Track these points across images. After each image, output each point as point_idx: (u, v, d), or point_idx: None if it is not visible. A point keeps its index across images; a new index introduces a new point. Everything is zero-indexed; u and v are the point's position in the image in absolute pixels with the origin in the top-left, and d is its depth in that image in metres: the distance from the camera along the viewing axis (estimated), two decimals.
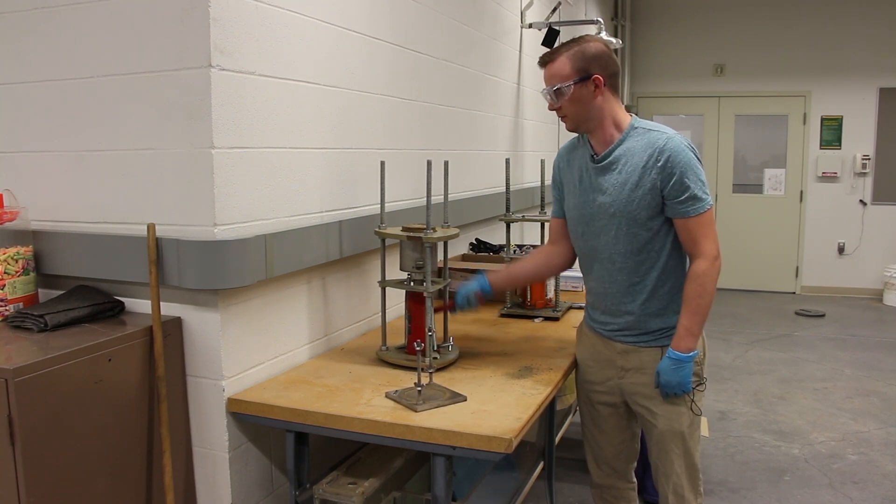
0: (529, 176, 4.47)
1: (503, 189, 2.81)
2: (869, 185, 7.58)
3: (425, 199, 1.99)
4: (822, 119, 7.63)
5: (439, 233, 2.07)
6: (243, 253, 1.81)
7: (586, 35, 2.00)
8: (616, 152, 1.95)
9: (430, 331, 2.00)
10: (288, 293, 2.09)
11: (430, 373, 1.87)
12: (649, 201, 1.90)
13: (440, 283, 2.14)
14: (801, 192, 7.79)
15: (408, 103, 2.75)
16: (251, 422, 1.87)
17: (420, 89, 2.85)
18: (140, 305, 1.90)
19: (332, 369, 2.09)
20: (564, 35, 4.44)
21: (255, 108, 1.87)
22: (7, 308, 1.87)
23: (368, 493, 1.81)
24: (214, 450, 1.88)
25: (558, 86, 1.92)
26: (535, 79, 4.40)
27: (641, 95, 8.16)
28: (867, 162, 7.50)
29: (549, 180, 2.92)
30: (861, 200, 7.61)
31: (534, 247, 3.34)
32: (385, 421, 1.70)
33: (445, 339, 2.22)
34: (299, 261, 2.06)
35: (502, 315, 2.75)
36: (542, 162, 2.89)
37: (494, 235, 3.77)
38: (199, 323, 1.84)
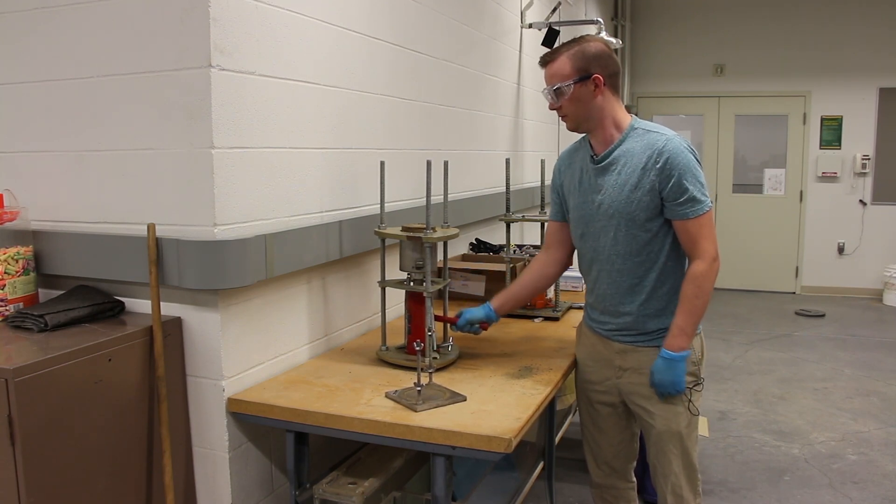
0: (529, 176, 4.47)
1: (503, 189, 2.81)
2: (869, 185, 7.58)
3: (425, 199, 1.99)
4: (822, 119, 7.63)
5: (439, 233, 2.07)
6: (243, 253, 1.81)
7: (587, 35, 2.00)
8: (615, 153, 1.95)
9: (429, 331, 2.01)
10: (288, 293, 2.09)
11: (430, 373, 1.87)
12: (647, 203, 1.90)
13: (440, 283, 2.14)
14: (801, 192, 7.79)
15: (408, 103, 2.75)
16: (251, 422, 1.87)
17: (420, 89, 2.85)
18: (140, 305, 1.90)
19: (332, 369, 2.09)
20: (564, 35, 4.44)
21: (255, 108, 1.87)
22: (7, 308, 1.87)
23: (368, 493, 1.81)
24: (214, 450, 1.88)
25: (558, 85, 1.92)
26: (535, 79, 4.40)
27: (641, 95, 8.17)
28: (867, 162, 7.50)
29: (549, 181, 2.93)
30: (861, 200, 7.61)
31: (534, 247, 3.34)
32: (385, 421, 1.70)
33: (445, 339, 2.22)
34: (299, 261, 2.06)
35: (500, 315, 2.74)
36: (543, 162, 2.89)
37: (494, 235, 3.77)
38: (199, 323, 1.84)
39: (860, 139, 7.54)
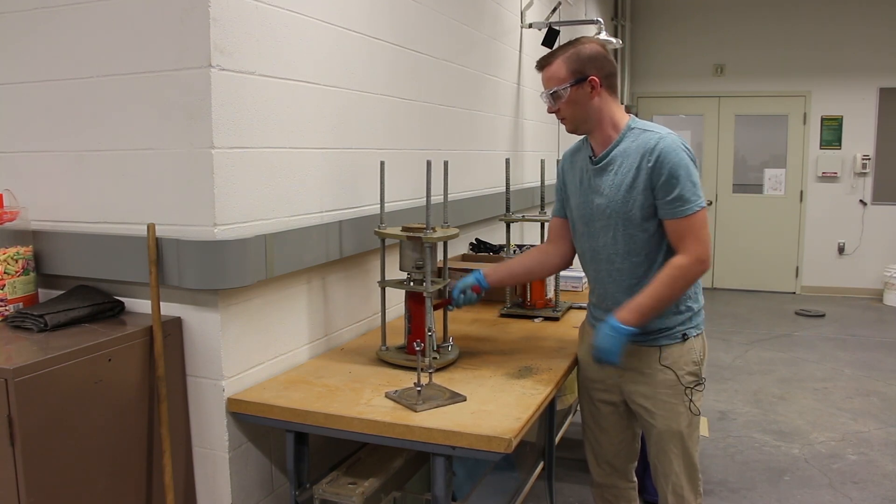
0: (529, 176, 4.47)
1: (503, 189, 2.81)
2: (869, 185, 7.58)
3: (425, 199, 1.99)
4: (822, 119, 7.63)
5: (439, 233, 2.07)
6: (243, 253, 1.81)
7: (582, 37, 2.00)
8: (612, 153, 1.96)
9: (429, 331, 2.01)
10: (288, 293, 2.09)
11: (430, 373, 1.87)
12: (643, 202, 1.90)
13: (440, 283, 2.14)
14: (801, 192, 7.79)
15: (408, 103, 2.75)
16: (251, 422, 1.87)
17: (420, 89, 2.85)
18: (140, 305, 1.90)
19: (332, 369, 2.09)
20: (564, 35, 4.44)
21: (255, 108, 1.87)
22: (7, 308, 1.87)
23: (368, 493, 1.81)
24: (214, 450, 1.88)
25: (555, 89, 1.94)
26: (535, 79, 4.39)
27: (641, 95, 8.17)
28: (867, 162, 7.50)
29: (549, 180, 2.94)
30: (861, 200, 7.61)
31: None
32: (385, 421, 1.70)
33: (445, 339, 2.22)
34: (299, 261, 2.06)
35: (502, 315, 2.75)
36: (543, 162, 2.89)
37: (494, 235, 3.77)
38: (199, 323, 1.84)
39: (860, 139, 7.54)
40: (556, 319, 2.69)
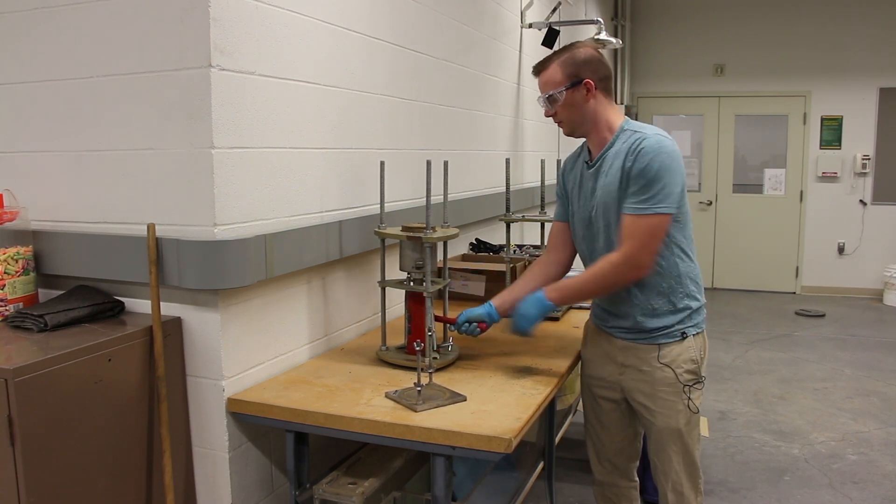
0: (529, 176, 4.47)
1: (503, 189, 2.81)
2: (869, 185, 7.58)
3: (425, 199, 1.99)
4: (822, 119, 7.63)
5: (439, 233, 2.07)
6: (243, 253, 1.81)
7: (577, 42, 2.05)
8: (605, 155, 1.99)
9: (429, 331, 2.01)
10: (288, 293, 2.09)
11: (430, 373, 1.87)
12: None
13: (440, 283, 2.14)
14: (801, 192, 7.79)
15: (408, 103, 2.74)
16: (251, 422, 1.87)
17: (420, 89, 2.85)
18: (140, 305, 1.90)
19: (332, 369, 2.09)
20: (564, 35, 4.44)
21: (255, 108, 1.87)
22: (7, 308, 1.87)
23: (368, 493, 1.81)
24: (214, 450, 1.88)
25: (551, 92, 1.98)
26: (534, 79, 4.39)
27: (641, 95, 8.17)
28: (867, 162, 7.50)
29: (549, 180, 2.94)
30: (861, 200, 7.61)
31: (534, 247, 3.34)
32: (385, 421, 1.70)
33: (445, 339, 2.22)
34: (299, 261, 2.06)
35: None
36: (543, 162, 2.89)
37: (494, 235, 3.77)
38: (199, 323, 1.84)
39: (860, 139, 7.54)
40: (556, 319, 2.69)
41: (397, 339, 2.23)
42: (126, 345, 1.71)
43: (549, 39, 4.25)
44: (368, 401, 1.82)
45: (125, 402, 1.72)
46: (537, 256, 2.59)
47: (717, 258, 8.07)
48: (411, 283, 2.11)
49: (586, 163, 2.06)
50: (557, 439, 2.91)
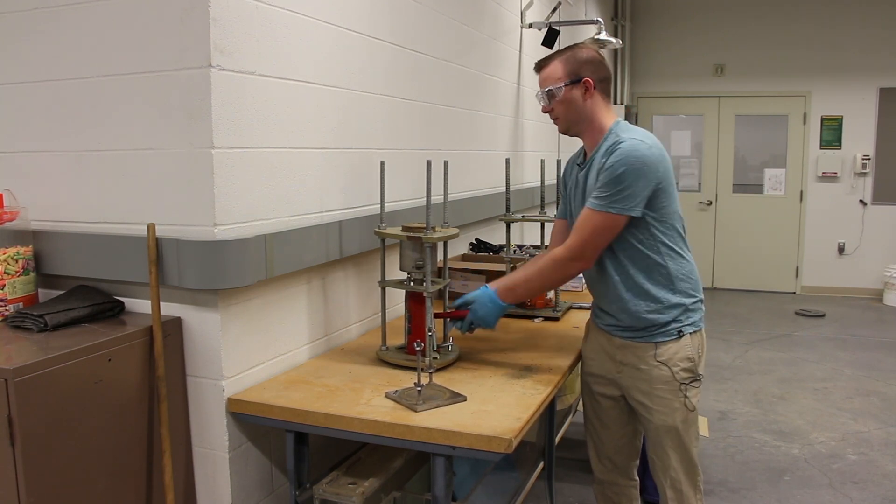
0: (529, 176, 4.47)
1: (503, 189, 2.81)
2: (869, 185, 7.58)
3: (425, 199, 1.99)
4: (822, 119, 7.63)
5: (439, 233, 2.07)
6: (243, 253, 1.81)
7: (580, 43, 2.10)
8: (594, 157, 2.02)
9: (429, 331, 2.01)
10: (288, 293, 2.09)
11: (430, 373, 1.87)
12: None
13: (440, 283, 2.14)
14: (801, 192, 7.79)
15: (408, 103, 2.74)
16: (251, 422, 1.87)
17: (420, 89, 2.85)
18: (140, 305, 1.90)
19: (332, 369, 2.09)
20: (564, 34, 4.44)
21: (255, 108, 1.87)
22: (7, 308, 1.87)
23: (368, 493, 1.81)
24: (214, 450, 1.88)
25: (550, 87, 2.02)
26: (535, 79, 4.36)
27: (641, 95, 8.17)
28: (867, 162, 7.50)
29: (549, 180, 2.95)
30: (861, 200, 7.61)
31: (534, 247, 3.34)
32: (385, 421, 1.70)
33: (445, 339, 2.22)
34: (299, 261, 2.06)
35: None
36: (543, 162, 2.89)
37: (494, 235, 3.77)
38: (199, 323, 1.84)
39: (860, 139, 7.54)
40: (556, 319, 2.69)
41: (397, 339, 2.23)
42: (126, 345, 1.71)
43: (549, 39, 4.25)
44: (368, 401, 1.82)
45: (125, 402, 1.72)
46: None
47: (717, 258, 8.07)
48: (411, 283, 2.11)
49: (578, 164, 2.12)
50: (557, 439, 2.91)
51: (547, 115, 2.10)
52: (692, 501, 2.09)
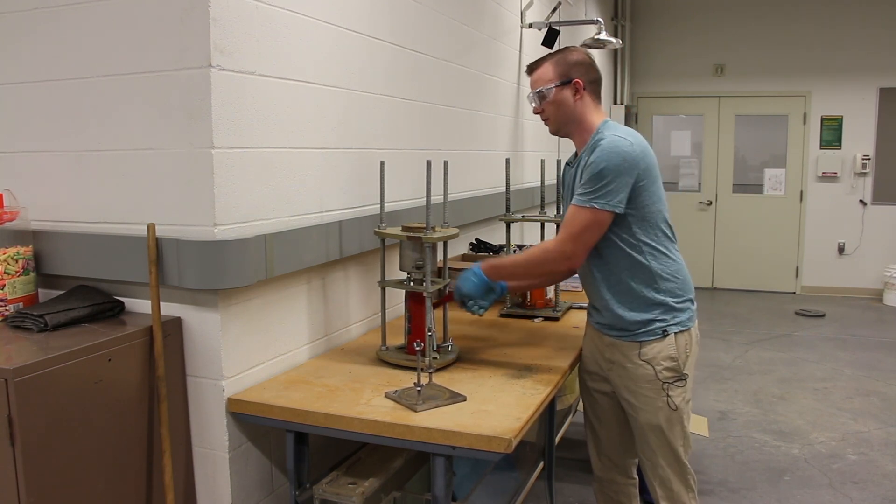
0: (529, 176, 4.47)
1: (503, 189, 2.81)
2: (869, 185, 7.58)
3: (425, 199, 1.99)
4: (822, 119, 7.63)
5: (439, 233, 2.07)
6: (243, 253, 1.81)
7: (571, 46, 2.15)
8: (581, 156, 2.05)
9: (429, 331, 2.01)
10: (288, 293, 2.09)
11: (430, 373, 1.87)
12: None
13: (440, 283, 2.14)
14: (801, 192, 7.79)
15: (408, 103, 2.75)
16: (251, 422, 1.87)
17: (420, 89, 2.85)
18: (140, 305, 1.90)
19: (332, 369, 2.09)
20: (564, 35, 4.44)
21: (255, 108, 1.87)
22: (7, 308, 1.87)
23: (368, 493, 1.81)
24: (214, 450, 1.88)
25: (541, 89, 2.06)
26: None
27: (641, 95, 8.16)
28: (867, 162, 7.50)
29: (549, 180, 2.95)
30: (861, 200, 7.61)
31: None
32: (385, 421, 1.70)
33: (445, 339, 2.22)
34: (299, 261, 2.06)
35: (502, 315, 2.74)
36: (543, 162, 2.89)
37: (494, 235, 3.77)
38: (199, 323, 1.84)
39: (860, 139, 7.54)
40: (556, 319, 2.69)
41: (397, 339, 2.23)
42: (126, 345, 1.71)
43: (549, 39, 4.25)
44: (368, 401, 1.82)
45: (125, 402, 1.72)
46: None
47: (717, 258, 8.07)
48: (411, 283, 2.11)
49: (568, 164, 2.17)
50: (557, 439, 2.91)
51: (537, 114, 2.14)
52: (684, 499, 2.10)
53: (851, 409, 4.35)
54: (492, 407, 1.78)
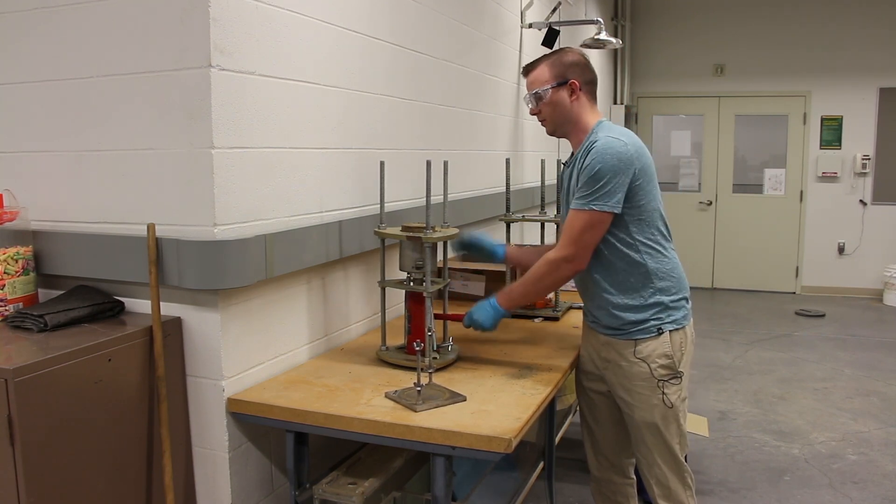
0: (529, 176, 4.47)
1: (503, 189, 2.81)
2: (869, 185, 7.58)
3: (425, 199, 1.99)
4: (822, 119, 7.63)
5: (439, 233, 2.07)
6: (243, 253, 1.81)
7: (566, 47, 2.16)
8: (577, 156, 2.06)
9: (429, 331, 2.01)
10: (288, 293, 2.09)
11: (430, 373, 1.87)
12: None
13: (440, 283, 2.14)
14: (801, 192, 7.79)
15: (408, 103, 2.75)
16: (251, 422, 1.87)
17: (420, 89, 2.85)
18: (140, 305, 1.90)
19: (332, 369, 2.09)
20: (564, 35, 4.44)
21: (255, 108, 1.87)
22: (7, 308, 1.87)
23: (368, 493, 1.81)
24: (214, 450, 1.88)
25: (537, 90, 2.07)
26: None
27: (641, 95, 8.16)
28: (867, 162, 7.50)
29: (549, 180, 2.95)
30: (861, 200, 7.61)
31: (534, 247, 3.34)
32: (385, 421, 1.70)
33: (445, 339, 2.22)
34: (299, 261, 2.06)
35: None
36: (543, 162, 2.89)
37: (494, 235, 3.75)
38: (199, 323, 1.84)
39: (860, 139, 7.54)
40: (556, 319, 2.69)
41: (397, 339, 2.23)
42: (126, 345, 1.71)
43: (549, 39, 4.25)
44: (368, 401, 1.82)
45: (125, 402, 1.72)
46: None
47: (717, 258, 8.07)
48: (411, 283, 2.11)
49: (564, 164, 2.18)
50: (557, 439, 2.91)
51: (534, 115, 2.14)
52: (682, 497, 2.10)
53: (851, 409, 4.35)
54: (492, 407, 1.78)
